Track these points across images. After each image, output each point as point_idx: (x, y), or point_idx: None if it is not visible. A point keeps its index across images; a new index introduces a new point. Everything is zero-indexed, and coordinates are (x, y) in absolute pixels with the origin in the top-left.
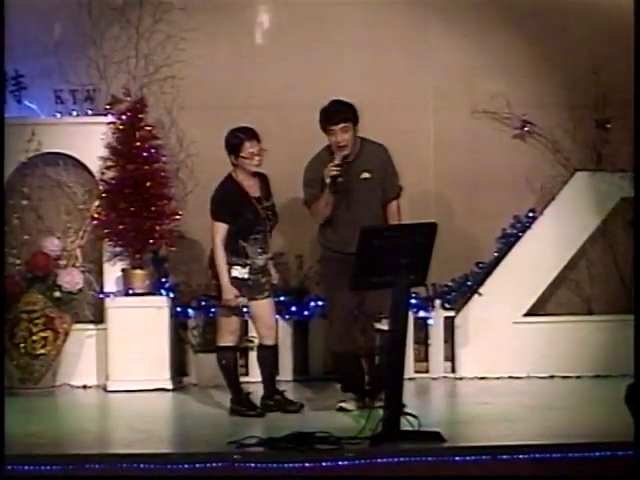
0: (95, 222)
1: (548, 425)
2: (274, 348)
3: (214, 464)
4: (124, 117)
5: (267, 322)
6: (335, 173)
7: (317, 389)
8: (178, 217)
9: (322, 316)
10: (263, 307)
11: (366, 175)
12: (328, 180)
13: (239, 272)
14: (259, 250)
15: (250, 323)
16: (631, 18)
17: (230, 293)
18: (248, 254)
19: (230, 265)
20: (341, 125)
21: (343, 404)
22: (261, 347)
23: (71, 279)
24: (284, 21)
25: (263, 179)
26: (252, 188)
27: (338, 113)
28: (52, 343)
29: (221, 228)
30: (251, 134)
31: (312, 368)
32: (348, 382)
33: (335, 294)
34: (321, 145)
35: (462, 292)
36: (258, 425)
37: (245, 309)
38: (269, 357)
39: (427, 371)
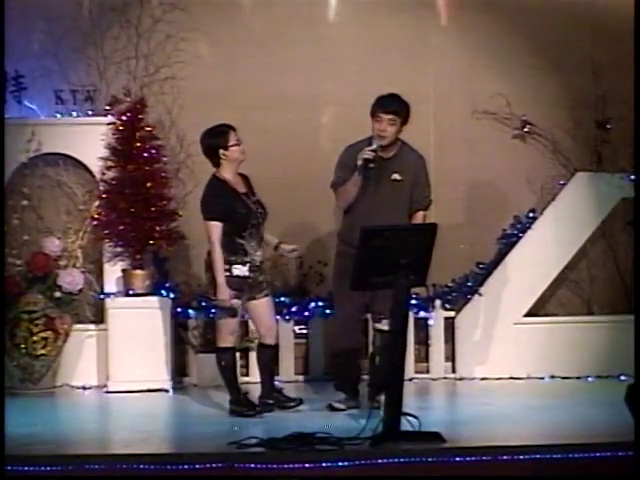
0: (95, 222)
1: (548, 425)
2: (274, 348)
3: (214, 464)
4: (124, 117)
5: (266, 321)
6: (368, 156)
7: (317, 389)
8: (178, 217)
9: (322, 316)
10: (262, 306)
11: (396, 177)
12: (360, 162)
13: (240, 270)
14: (255, 246)
15: (250, 323)
16: (631, 18)
17: (225, 293)
18: (247, 251)
19: (230, 264)
20: (390, 116)
21: (335, 403)
22: (261, 346)
23: (71, 279)
24: (283, 21)
25: (244, 177)
26: (238, 184)
27: (392, 104)
28: (52, 343)
29: (216, 227)
30: (231, 126)
31: (312, 368)
32: (342, 381)
33: (345, 291)
34: (321, 144)
35: (462, 292)
36: (258, 425)
37: (242, 310)
38: (268, 357)
39: (427, 371)
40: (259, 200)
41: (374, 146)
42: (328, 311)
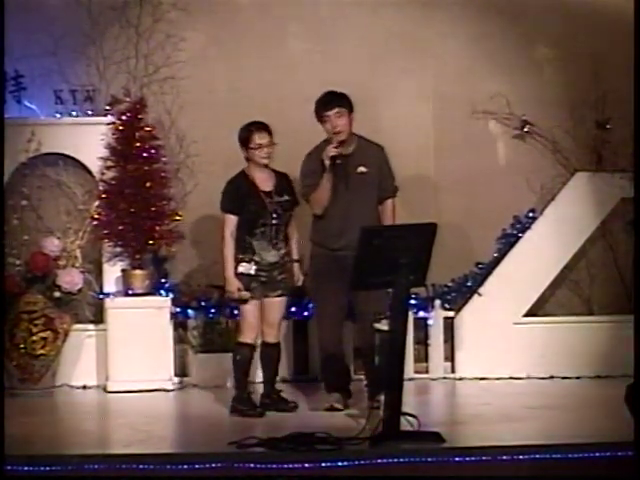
0: (95, 222)
1: (548, 426)
2: (276, 346)
3: (214, 464)
4: (124, 117)
5: (270, 320)
6: (334, 153)
7: (317, 389)
8: (178, 217)
9: None
10: (273, 305)
11: (362, 169)
12: (327, 162)
13: (245, 268)
14: (268, 246)
15: None
16: (631, 18)
17: (232, 285)
18: (255, 250)
19: (237, 261)
20: (335, 110)
21: (336, 403)
22: (263, 345)
23: (71, 279)
24: (283, 20)
25: (281, 176)
26: (264, 182)
27: (332, 99)
28: (52, 343)
29: (229, 219)
30: (260, 126)
31: (312, 368)
32: (333, 382)
33: (323, 292)
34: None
35: (462, 292)
36: (258, 425)
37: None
38: (269, 355)
39: (427, 371)
40: (285, 202)
41: (335, 143)
42: None
